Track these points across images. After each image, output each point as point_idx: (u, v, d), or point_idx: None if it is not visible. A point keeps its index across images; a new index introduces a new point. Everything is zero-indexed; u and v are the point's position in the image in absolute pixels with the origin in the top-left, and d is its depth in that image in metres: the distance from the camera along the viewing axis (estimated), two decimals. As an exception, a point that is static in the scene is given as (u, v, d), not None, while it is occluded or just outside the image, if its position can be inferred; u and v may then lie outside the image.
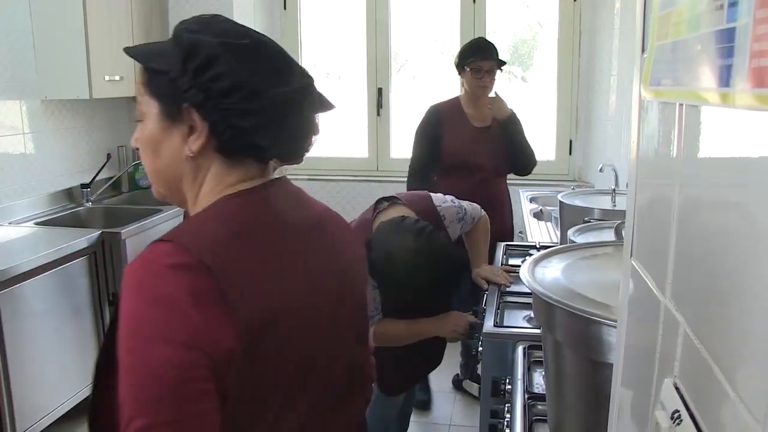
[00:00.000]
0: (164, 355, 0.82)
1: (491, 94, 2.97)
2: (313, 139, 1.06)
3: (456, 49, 4.32)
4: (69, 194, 3.72)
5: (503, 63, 2.95)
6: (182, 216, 1.69)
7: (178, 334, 0.83)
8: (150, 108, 0.98)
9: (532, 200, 3.65)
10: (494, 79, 2.94)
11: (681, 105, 0.53)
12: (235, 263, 0.89)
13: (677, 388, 0.52)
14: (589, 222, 1.95)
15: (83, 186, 3.71)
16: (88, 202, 3.73)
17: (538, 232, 3.08)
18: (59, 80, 3.39)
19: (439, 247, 1.84)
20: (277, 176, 1.07)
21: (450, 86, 4.40)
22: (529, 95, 4.54)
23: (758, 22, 0.36)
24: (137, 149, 1.04)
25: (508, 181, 3.15)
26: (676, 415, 0.49)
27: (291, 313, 0.94)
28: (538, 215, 3.40)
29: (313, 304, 0.98)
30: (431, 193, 2.18)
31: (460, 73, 3.00)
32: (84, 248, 3.03)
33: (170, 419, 0.81)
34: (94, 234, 3.10)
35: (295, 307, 0.95)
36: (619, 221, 1.60)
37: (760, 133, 0.39)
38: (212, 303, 0.85)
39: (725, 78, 0.42)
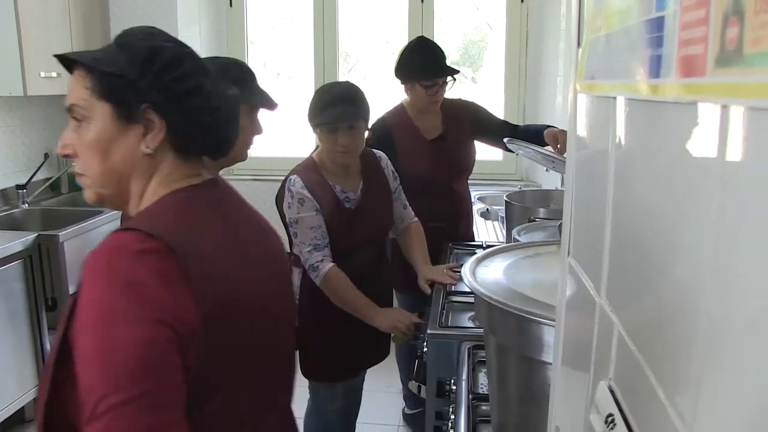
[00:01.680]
0: (137, 333, 0.87)
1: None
2: (253, 138, 1.27)
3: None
4: (3, 195, 3.57)
5: (456, 72, 2.67)
6: (120, 218, 1.66)
7: (149, 312, 0.89)
8: (98, 111, 1.01)
9: (479, 200, 3.66)
10: (446, 89, 2.69)
11: (614, 98, 0.52)
12: (195, 249, 0.96)
13: (612, 391, 0.50)
14: (535, 221, 1.96)
15: (18, 187, 3.56)
16: (24, 203, 3.58)
17: (485, 231, 3.08)
18: (-10, 76, 3.24)
19: None
20: (213, 175, 1.14)
21: (401, 86, 4.39)
22: (479, 96, 4.56)
23: (685, 10, 0.35)
24: (67, 156, 1.07)
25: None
26: (609, 419, 0.48)
27: (245, 298, 1.03)
28: (485, 215, 3.41)
29: (259, 293, 1.08)
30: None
31: (404, 84, 2.71)
32: (19, 251, 2.90)
33: (145, 391, 0.85)
34: (30, 237, 2.98)
35: (248, 293, 1.04)
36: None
37: (690, 125, 0.38)
38: (177, 282, 0.92)
39: (655, 69, 0.41)
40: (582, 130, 0.63)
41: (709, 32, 0.32)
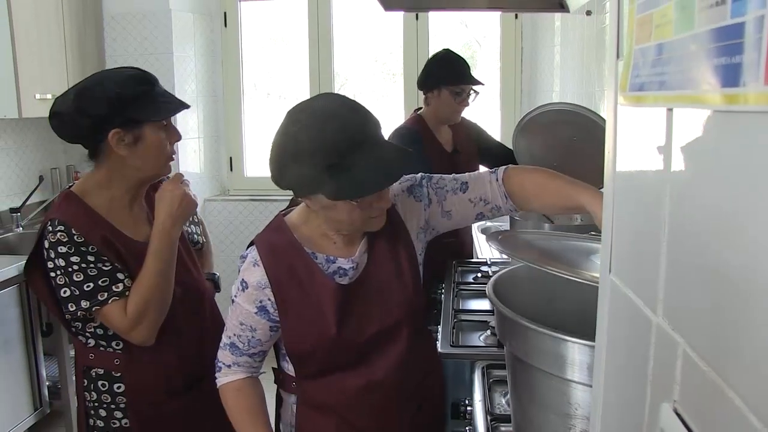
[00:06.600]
0: None
1: None
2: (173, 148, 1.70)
3: (397, 67, 4.32)
4: (-3, 219, 3.52)
5: (482, 84, 2.63)
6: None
7: None
8: None
9: (478, 216, 3.63)
10: (470, 101, 2.66)
11: (670, 110, 0.50)
12: None
13: (678, 414, 0.48)
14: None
15: (12, 210, 3.52)
16: (18, 227, 3.53)
17: (487, 248, 3.06)
18: (-15, 99, 3.20)
19: None
20: None
21: (391, 105, 4.39)
22: (468, 113, 4.55)
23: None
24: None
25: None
26: (681, 444, 0.45)
27: None
28: (487, 231, 3.39)
29: None
30: None
31: (429, 92, 2.63)
32: (13, 277, 2.85)
33: None
34: (25, 261, 2.92)
35: None
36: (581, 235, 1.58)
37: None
38: None
39: (733, 77, 0.39)
40: (626, 144, 0.62)
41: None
